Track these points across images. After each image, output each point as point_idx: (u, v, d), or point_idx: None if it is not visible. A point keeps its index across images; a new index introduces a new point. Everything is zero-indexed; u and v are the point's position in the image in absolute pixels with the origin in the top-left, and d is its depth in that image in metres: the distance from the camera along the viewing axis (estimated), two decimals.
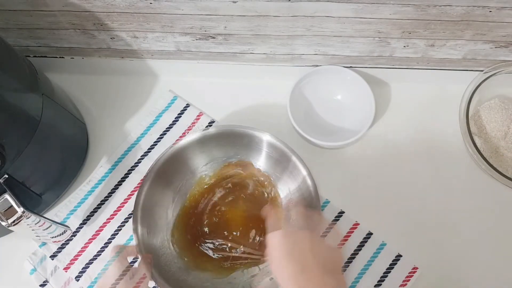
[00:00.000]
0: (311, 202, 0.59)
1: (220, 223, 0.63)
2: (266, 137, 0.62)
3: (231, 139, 0.64)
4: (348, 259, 0.62)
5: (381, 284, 0.61)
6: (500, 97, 0.69)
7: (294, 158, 0.61)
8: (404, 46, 0.65)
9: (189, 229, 0.63)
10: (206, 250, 0.62)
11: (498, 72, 0.66)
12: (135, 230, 0.57)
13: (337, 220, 0.64)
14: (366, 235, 0.63)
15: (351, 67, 0.69)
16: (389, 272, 0.61)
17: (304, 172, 0.60)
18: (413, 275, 0.61)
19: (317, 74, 0.69)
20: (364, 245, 0.63)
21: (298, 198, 0.62)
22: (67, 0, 0.59)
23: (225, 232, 0.63)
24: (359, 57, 0.68)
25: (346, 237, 0.63)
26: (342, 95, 0.71)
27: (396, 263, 0.62)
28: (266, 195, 0.65)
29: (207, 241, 0.63)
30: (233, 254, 0.62)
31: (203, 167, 0.66)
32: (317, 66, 0.70)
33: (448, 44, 0.64)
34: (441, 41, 0.64)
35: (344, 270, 0.62)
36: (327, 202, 0.65)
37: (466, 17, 0.58)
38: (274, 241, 0.46)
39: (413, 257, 0.62)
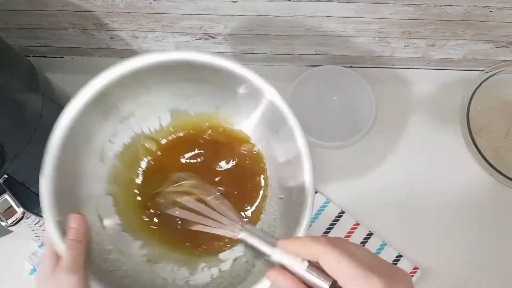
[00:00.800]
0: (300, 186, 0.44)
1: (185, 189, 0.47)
2: (270, 94, 0.43)
3: (211, 77, 0.44)
4: None
5: None
6: (501, 97, 0.69)
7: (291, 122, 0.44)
8: (405, 46, 0.65)
9: (141, 197, 0.45)
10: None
11: (499, 72, 0.66)
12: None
13: (337, 220, 0.64)
14: (366, 235, 0.63)
15: (351, 67, 0.69)
16: None
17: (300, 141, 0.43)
18: (413, 275, 0.61)
19: (317, 74, 0.69)
20: (364, 245, 0.63)
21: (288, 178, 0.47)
22: (67, 0, 0.59)
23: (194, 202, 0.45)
24: (359, 57, 0.68)
25: (346, 237, 0.63)
26: (342, 95, 0.71)
27: (396, 264, 0.61)
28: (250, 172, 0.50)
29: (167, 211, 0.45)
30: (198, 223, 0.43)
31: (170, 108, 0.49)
32: (317, 66, 0.69)
33: (449, 44, 0.64)
34: (441, 41, 0.63)
35: None
36: (327, 202, 0.65)
37: (467, 17, 0.58)
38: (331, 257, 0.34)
39: (413, 257, 0.62)
